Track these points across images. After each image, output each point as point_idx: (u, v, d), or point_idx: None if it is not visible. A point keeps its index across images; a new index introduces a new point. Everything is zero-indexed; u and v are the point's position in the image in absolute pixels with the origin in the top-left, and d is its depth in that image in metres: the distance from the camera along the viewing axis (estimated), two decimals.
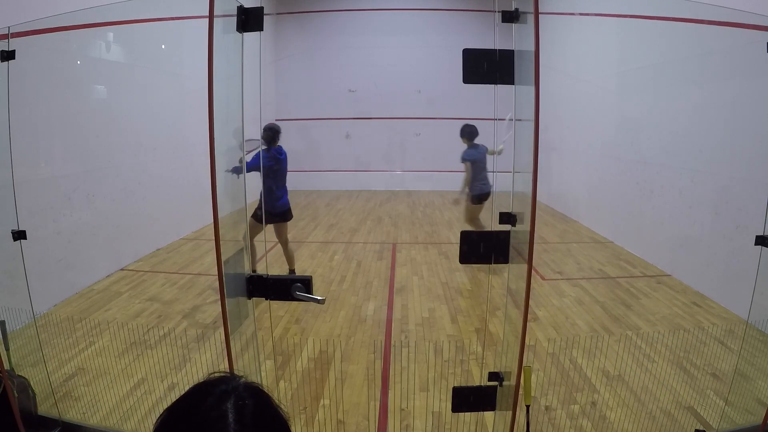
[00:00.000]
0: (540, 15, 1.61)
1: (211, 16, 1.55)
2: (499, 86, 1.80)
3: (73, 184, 4.65)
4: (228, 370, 0.84)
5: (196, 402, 0.74)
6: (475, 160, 5.49)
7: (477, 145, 5.56)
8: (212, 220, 1.69)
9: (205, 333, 3.77)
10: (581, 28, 8.37)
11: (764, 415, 2.37)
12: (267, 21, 1.78)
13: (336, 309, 4.36)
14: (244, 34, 1.72)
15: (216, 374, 0.82)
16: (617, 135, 6.83)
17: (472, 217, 5.70)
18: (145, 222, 5.90)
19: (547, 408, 2.82)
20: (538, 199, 1.70)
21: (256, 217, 4.39)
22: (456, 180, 11.50)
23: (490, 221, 1.96)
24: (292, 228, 7.51)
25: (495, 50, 1.76)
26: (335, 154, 11.46)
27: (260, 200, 4.34)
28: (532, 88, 1.63)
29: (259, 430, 0.74)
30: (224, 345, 1.81)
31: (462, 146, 5.56)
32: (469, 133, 5.55)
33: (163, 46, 6.33)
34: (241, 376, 0.82)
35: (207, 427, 0.72)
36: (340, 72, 11.37)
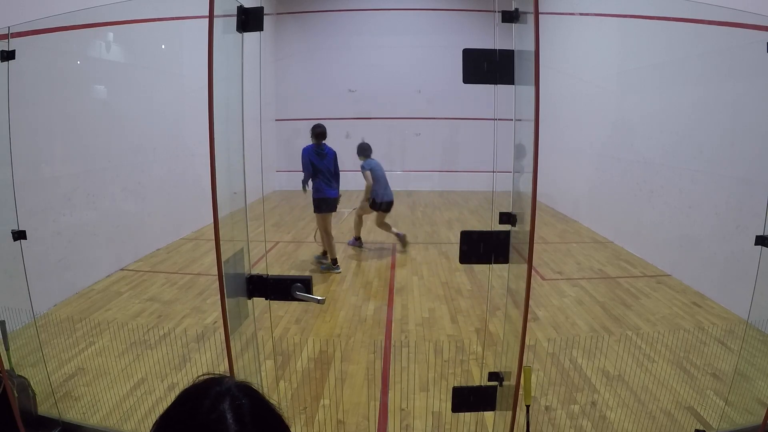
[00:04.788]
0: (540, 15, 1.61)
1: (211, 16, 1.55)
2: (499, 86, 1.79)
3: (73, 184, 4.65)
4: (215, 372, 0.85)
5: (193, 405, 0.75)
6: (374, 169, 6.07)
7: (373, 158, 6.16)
8: (212, 220, 1.69)
9: (205, 333, 3.78)
10: (581, 28, 8.37)
11: (764, 415, 2.37)
12: (267, 21, 1.78)
13: (336, 309, 4.36)
14: (244, 34, 1.72)
15: (203, 377, 0.81)
16: (617, 135, 6.83)
17: (370, 221, 6.52)
18: (145, 222, 5.90)
19: (547, 408, 2.82)
20: (538, 199, 1.70)
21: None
22: (456, 179, 11.52)
23: (490, 221, 1.95)
24: (293, 227, 7.50)
25: (495, 50, 1.76)
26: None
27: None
28: (532, 88, 1.63)
29: (258, 427, 0.74)
30: (224, 345, 1.81)
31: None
32: (362, 150, 6.14)
33: (163, 46, 6.33)
34: (229, 377, 0.82)
35: (207, 430, 0.72)
36: (340, 72, 11.37)
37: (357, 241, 6.46)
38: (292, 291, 1.79)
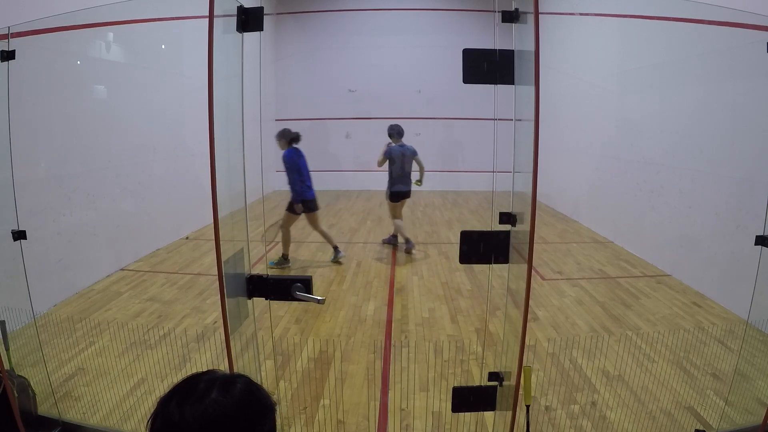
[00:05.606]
0: (540, 15, 1.61)
1: (211, 16, 1.55)
2: (499, 86, 1.79)
3: (73, 184, 4.65)
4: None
5: (197, 374, 0.91)
6: (393, 156, 5.98)
7: (403, 144, 6.05)
8: (212, 220, 1.69)
9: (205, 333, 3.78)
10: (581, 28, 8.37)
11: (764, 415, 2.37)
12: (267, 21, 1.79)
13: (336, 309, 4.36)
14: (244, 34, 1.72)
15: None
16: (617, 135, 6.83)
17: (393, 215, 6.31)
18: (145, 222, 5.90)
19: (547, 408, 2.82)
20: (538, 199, 1.70)
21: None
22: (457, 179, 11.52)
23: (490, 221, 1.96)
24: (292, 228, 7.51)
25: (495, 50, 1.76)
26: (335, 154, 11.48)
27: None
28: (532, 88, 1.63)
29: (241, 399, 0.87)
30: (224, 345, 1.81)
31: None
32: (391, 131, 6.07)
33: (163, 46, 6.33)
34: None
35: (195, 389, 0.86)
36: (340, 72, 11.37)
37: (409, 243, 6.19)
38: (292, 291, 1.79)
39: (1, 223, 2.56)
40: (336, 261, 5.71)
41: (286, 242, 5.61)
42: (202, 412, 0.83)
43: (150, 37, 5.83)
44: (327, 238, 5.76)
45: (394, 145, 6.02)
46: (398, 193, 6.12)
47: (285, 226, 5.56)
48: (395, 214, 6.26)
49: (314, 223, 5.66)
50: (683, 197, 5.13)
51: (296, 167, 5.34)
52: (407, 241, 6.16)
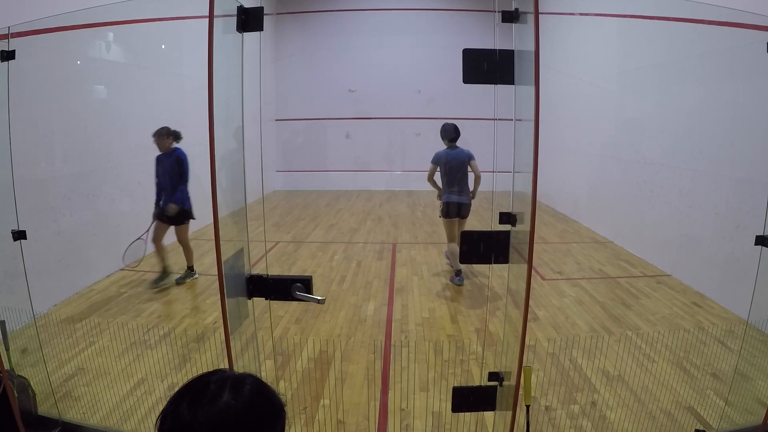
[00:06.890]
0: (540, 15, 1.61)
1: (211, 16, 1.55)
2: (499, 86, 1.80)
3: (73, 184, 4.65)
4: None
5: (206, 374, 0.91)
6: (443, 163, 4.99)
7: (456, 147, 5.01)
8: (212, 220, 1.69)
9: (205, 333, 3.78)
10: (581, 28, 8.37)
11: (764, 415, 2.37)
12: (267, 21, 1.79)
13: (336, 309, 4.36)
14: (244, 34, 1.72)
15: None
16: (618, 135, 6.84)
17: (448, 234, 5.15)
18: (145, 222, 5.90)
19: (547, 408, 2.82)
20: (538, 199, 1.70)
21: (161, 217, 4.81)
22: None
23: (490, 221, 1.96)
24: (293, 227, 7.51)
25: (495, 50, 1.76)
26: (335, 154, 11.49)
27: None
28: (532, 88, 1.63)
29: (252, 401, 0.87)
30: (224, 345, 1.81)
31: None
32: (443, 132, 5.05)
33: (163, 46, 6.33)
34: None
35: (206, 390, 0.86)
36: (340, 72, 11.38)
37: (458, 277, 4.96)
38: (292, 291, 1.79)
39: (1, 223, 2.56)
40: (182, 281, 4.92)
41: (188, 252, 5.01)
42: (215, 413, 0.83)
43: (150, 37, 5.83)
44: (190, 253, 5.04)
45: (443, 149, 5.02)
46: (447, 205, 4.99)
47: (157, 240, 4.90)
48: (449, 234, 5.11)
49: (185, 234, 4.97)
50: (683, 197, 5.13)
51: (187, 170, 4.68)
52: (457, 273, 4.98)
